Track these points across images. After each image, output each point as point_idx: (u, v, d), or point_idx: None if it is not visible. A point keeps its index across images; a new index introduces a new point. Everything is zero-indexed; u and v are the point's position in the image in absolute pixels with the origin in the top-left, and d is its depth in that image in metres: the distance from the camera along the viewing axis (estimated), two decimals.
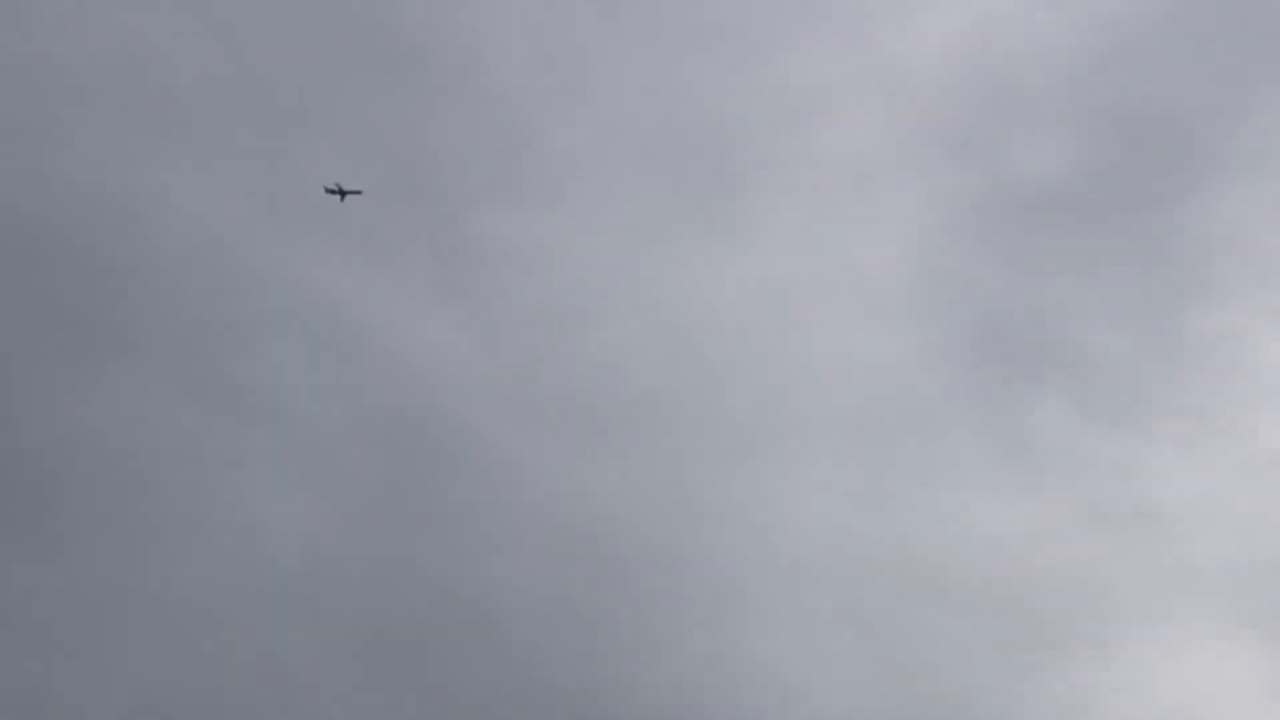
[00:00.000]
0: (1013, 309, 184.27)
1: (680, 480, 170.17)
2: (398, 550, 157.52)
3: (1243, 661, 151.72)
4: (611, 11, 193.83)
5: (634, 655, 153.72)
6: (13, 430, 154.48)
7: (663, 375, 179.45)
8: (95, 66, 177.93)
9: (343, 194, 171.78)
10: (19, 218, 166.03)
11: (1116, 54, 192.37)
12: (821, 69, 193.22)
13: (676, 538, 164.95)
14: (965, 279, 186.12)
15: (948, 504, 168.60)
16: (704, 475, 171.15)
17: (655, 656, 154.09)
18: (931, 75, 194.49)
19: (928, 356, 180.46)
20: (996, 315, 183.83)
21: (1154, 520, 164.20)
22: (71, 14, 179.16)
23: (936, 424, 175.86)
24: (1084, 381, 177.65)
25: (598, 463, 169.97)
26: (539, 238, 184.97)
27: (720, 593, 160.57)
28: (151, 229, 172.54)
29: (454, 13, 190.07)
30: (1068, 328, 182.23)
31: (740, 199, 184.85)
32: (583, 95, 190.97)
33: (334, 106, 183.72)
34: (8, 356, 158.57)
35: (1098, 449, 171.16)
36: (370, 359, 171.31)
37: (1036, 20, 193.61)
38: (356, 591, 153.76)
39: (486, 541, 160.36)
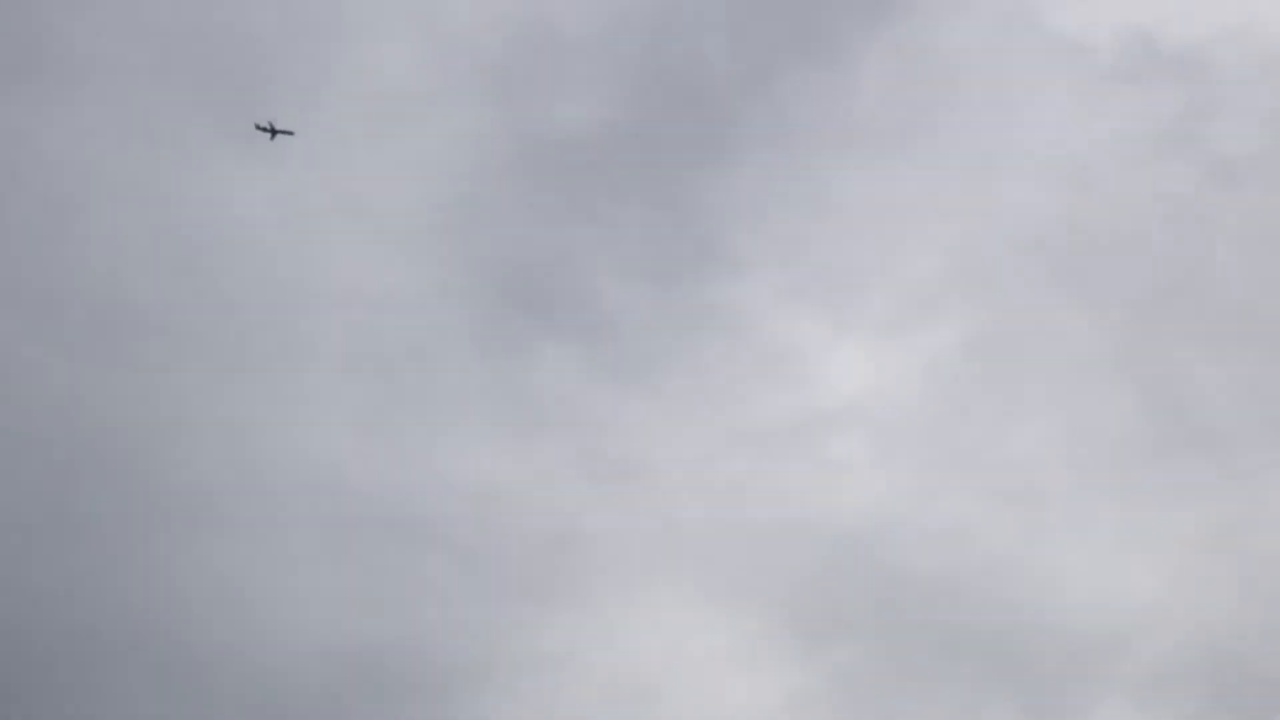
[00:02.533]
0: (532, 257, 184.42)
1: (172, 393, 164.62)
2: None
3: (713, 627, 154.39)
4: None
5: (108, 563, 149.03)
6: None
7: (166, 286, 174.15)
8: None
9: (274, 133, 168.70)
10: None
11: (660, 14, 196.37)
12: None
13: (163, 451, 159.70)
14: (488, 222, 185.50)
15: (444, 445, 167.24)
16: (197, 390, 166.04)
17: (128, 565, 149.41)
18: (473, 13, 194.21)
19: (442, 296, 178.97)
20: (515, 262, 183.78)
21: (645, 479, 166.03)
22: None
23: (442, 364, 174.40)
24: (594, 336, 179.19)
25: (86, 368, 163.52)
26: (44, 136, 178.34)
27: (198, 512, 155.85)
28: None
29: None
30: (584, 281, 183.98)
31: (265, 117, 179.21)
32: None
33: None
34: None
35: (598, 404, 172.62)
36: None
37: None
38: None
39: None
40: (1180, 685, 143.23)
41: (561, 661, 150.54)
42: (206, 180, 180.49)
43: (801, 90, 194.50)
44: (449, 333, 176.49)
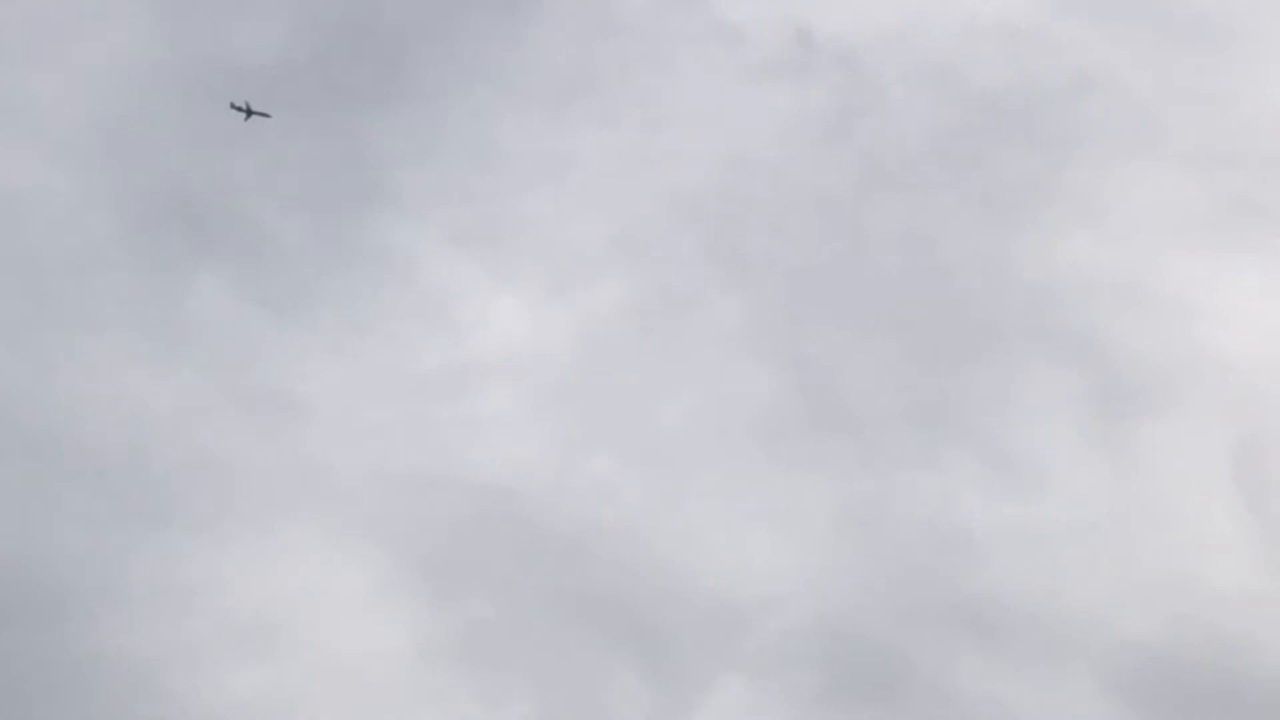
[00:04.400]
0: (195, 180, 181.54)
1: None
2: None
3: (347, 569, 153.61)
4: None
5: None
6: None
7: None
8: None
9: (249, 113, 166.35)
10: None
11: None
12: None
13: None
14: (152, 140, 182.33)
15: (87, 361, 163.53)
16: None
17: None
18: None
19: (97, 209, 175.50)
20: (177, 182, 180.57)
21: (292, 414, 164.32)
22: None
23: (92, 278, 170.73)
24: (252, 265, 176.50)
25: None
26: None
27: None
28: None
29: None
30: (245, 208, 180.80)
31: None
32: None
33: None
34: None
35: (250, 333, 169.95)
36: None
37: None
38: None
39: None
40: (800, 663, 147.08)
41: (191, 593, 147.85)
42: None
43: (479, 37, 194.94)
44: (102, 247, 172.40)
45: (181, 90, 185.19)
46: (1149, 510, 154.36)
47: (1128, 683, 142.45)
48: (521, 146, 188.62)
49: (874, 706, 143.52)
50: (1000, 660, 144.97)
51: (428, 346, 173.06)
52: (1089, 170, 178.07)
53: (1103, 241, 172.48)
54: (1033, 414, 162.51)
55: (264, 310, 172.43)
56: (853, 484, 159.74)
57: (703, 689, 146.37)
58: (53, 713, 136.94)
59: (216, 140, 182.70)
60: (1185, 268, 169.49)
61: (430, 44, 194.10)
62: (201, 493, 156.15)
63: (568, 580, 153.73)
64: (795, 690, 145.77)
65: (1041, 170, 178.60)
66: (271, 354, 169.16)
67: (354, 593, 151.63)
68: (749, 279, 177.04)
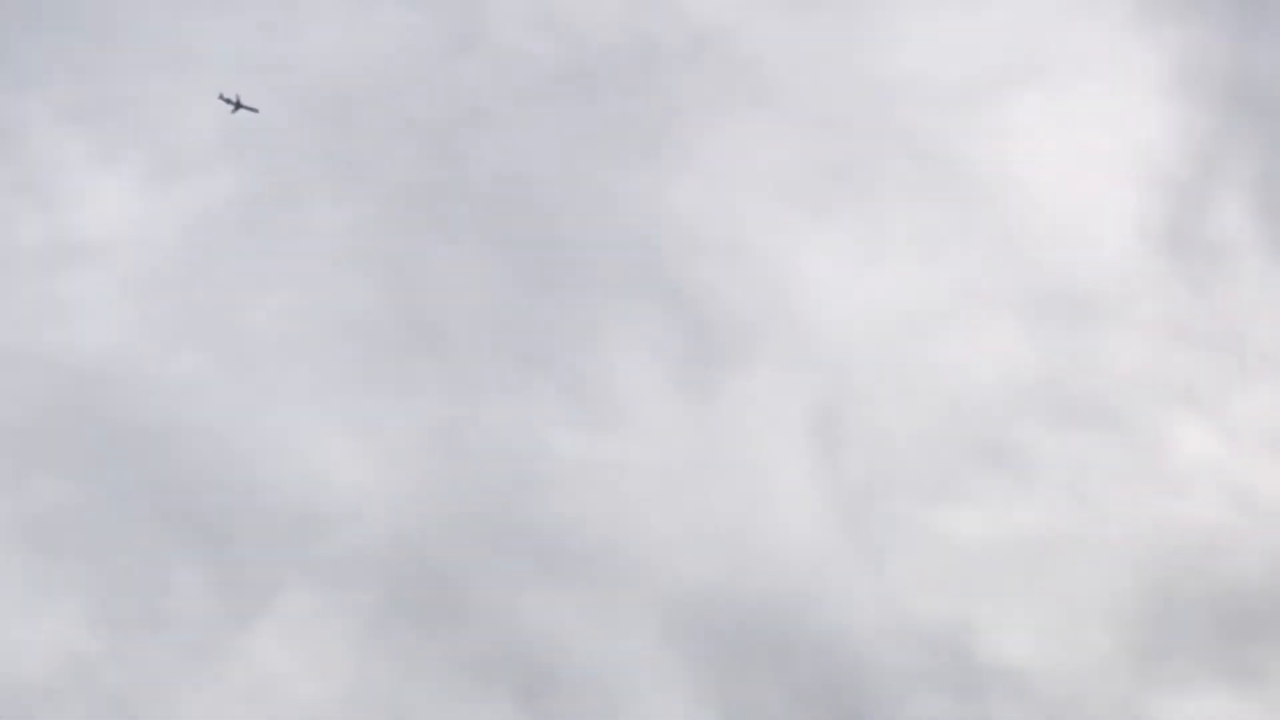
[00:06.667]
0: None
1: None
2: None
3: None
4: None
5: None
6: None
7: None
8: None
9: (237, 106, 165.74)
10: None
11: None
12: None
13: None
14: None
15: None
16: None
17: None
18: None
19: None
20: None
21: None
22: None
23: None
24: None
25: None
26: None
27: None
28: None
29: None
30: None
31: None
32: None
33: None
34: None
35: None
36: None
37: None
38: None
39: None
40: (367, 580, 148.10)
41: None
42: None
43: None
44: None
45: None
46: (723, 460, 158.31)
47: (686, 627, 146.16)
48: (144, 28, 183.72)
49: (435, 627, 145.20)
50: (563, 593, 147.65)
51: (26, 221, 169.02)
52: (697, 127, 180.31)
53: (704, 195, 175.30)
54: (621, 354, 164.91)
55: None
56: (438, 405, 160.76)
57: (268, 598, 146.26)
58: None
59: None
60: (781, 227, 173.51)
61: None
62: None
63: (143, 474, 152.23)
64: (359, 606, 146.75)
65: (652, 124, 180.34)
66: None
67: None
68: (358, 191, 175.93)
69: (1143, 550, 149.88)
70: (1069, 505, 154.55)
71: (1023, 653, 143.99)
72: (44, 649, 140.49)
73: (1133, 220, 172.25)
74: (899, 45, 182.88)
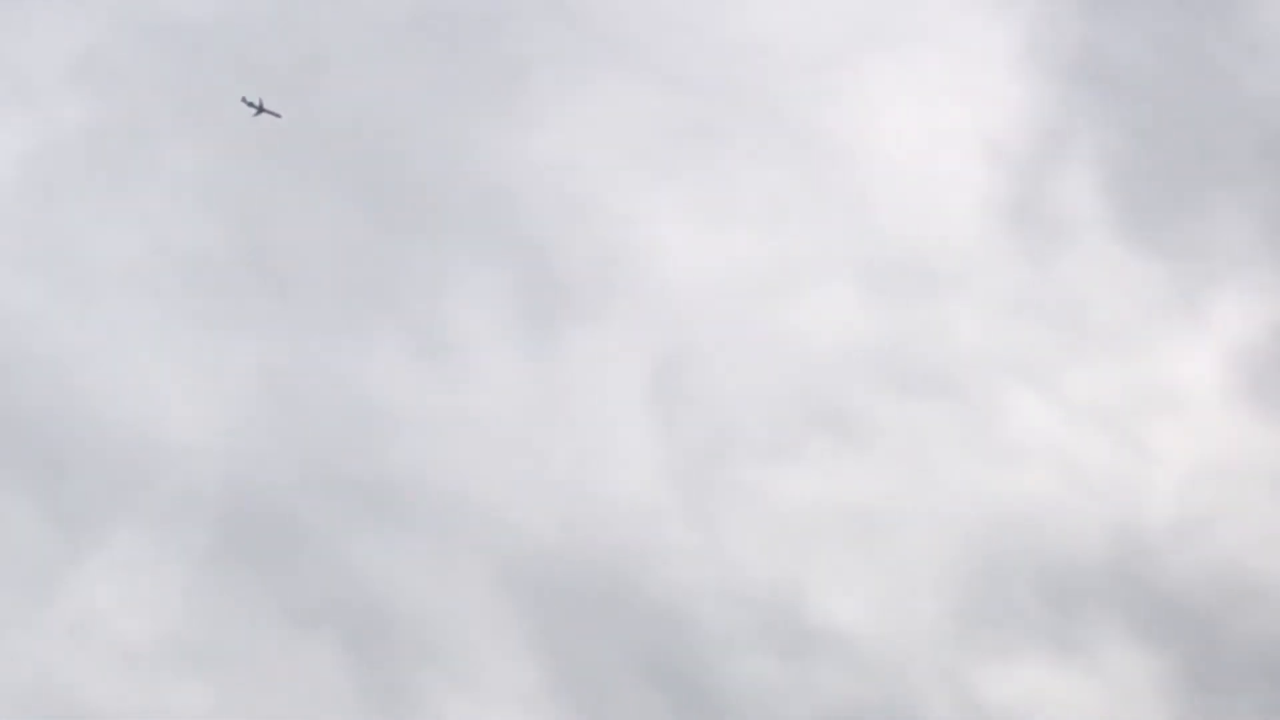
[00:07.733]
0: None
1: None
2: None
3: None
4: None
5: None
6: None
7: None
8: None
9: (259, 110, 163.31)
10: None
11: None
12: None
13: None
14: None
15: None
16: None
17: None
18: None
19: None
20: None
21: None
22: None
23: None
24: None
25: None
26: None
27: None
28: None
29: None
30: None
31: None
32: None
33: None
34: None
35: None
36: None
37: None
38: None
39: None
40: (199, 521, 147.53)
41: None
42: None
43: None
44: None
45: None
46: (563, 415, 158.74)
47: (519, 579, 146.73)
48: None
49: (267, 570, 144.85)
50: (396, 540, 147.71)
51: None
52: (551, 81, 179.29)
53: (556, 150, 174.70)
54: (466, 304, 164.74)
55: None
56: (279, 347, 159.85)
57: (99, 537, 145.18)
58: None
59: None
60: (631, 185, 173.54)
61: None
62: None
63: None
64: (190, 547, 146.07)
65: (507, 76, 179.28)
66: None
67: None
68: (206, 128, 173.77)
69: (974, 520, 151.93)
70: (903, 472, 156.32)
71: (851, 617, 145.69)
72: None
73: (977, 192, 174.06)
74: (754, 9, 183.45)
